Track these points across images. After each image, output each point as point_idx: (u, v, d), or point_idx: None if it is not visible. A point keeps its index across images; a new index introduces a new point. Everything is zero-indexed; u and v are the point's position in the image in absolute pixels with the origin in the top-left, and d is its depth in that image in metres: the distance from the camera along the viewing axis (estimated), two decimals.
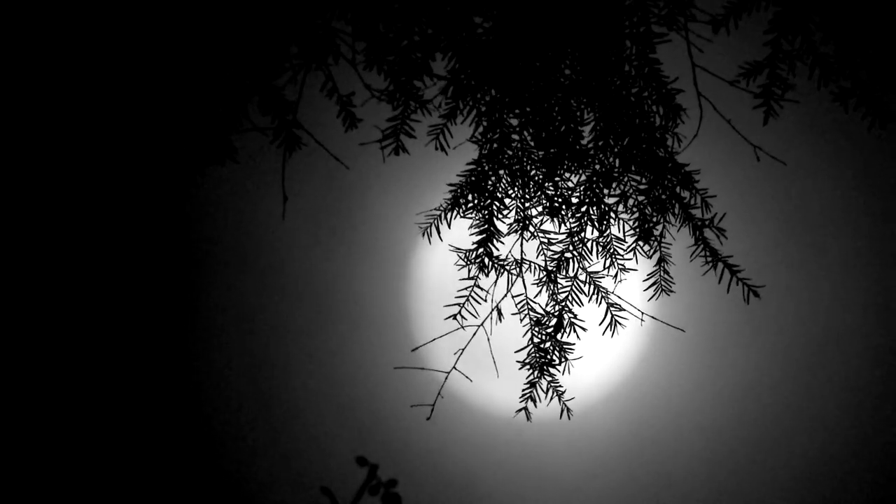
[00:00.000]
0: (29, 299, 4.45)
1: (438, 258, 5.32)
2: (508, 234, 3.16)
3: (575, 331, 3.14)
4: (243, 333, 6.23)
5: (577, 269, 3.11)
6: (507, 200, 3.09)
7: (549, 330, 3.22)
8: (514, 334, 3.43)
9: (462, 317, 3.24)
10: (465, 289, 3.23)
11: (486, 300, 3.25)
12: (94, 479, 5.58)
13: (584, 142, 3.00)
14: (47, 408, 5.27)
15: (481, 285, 3.25)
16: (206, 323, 6.15)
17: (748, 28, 2.84)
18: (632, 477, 6.09)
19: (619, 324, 3.14)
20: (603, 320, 3.15)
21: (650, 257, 3.06)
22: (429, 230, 3.16)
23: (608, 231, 3.04)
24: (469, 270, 3.17)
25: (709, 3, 2.95)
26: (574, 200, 3.00)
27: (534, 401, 3.25)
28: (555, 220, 3.09)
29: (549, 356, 3.21)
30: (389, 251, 5.63)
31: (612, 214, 2.99)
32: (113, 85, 3.19)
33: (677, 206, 2.88)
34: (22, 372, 4.92)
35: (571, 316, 3.14)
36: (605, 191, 2.96)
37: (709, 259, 2.88)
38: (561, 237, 3.15)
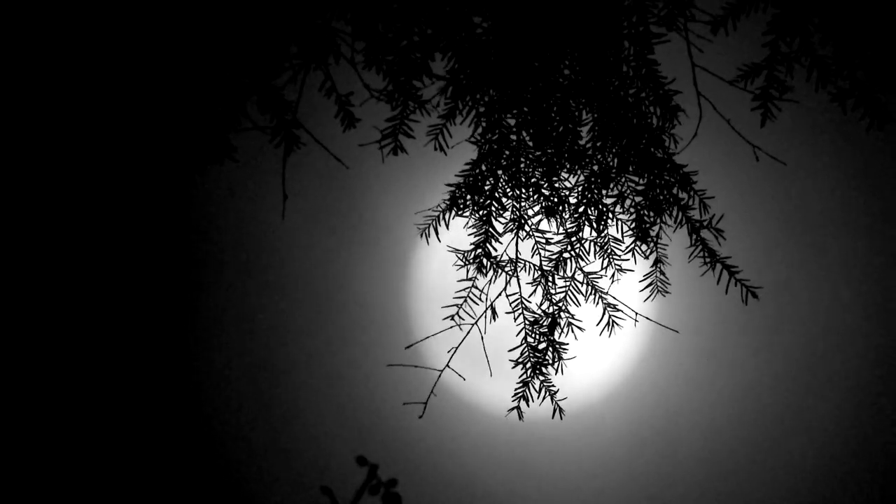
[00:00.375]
0: (29, 299, 4.45)
1: (438, 258, 5.33)
2: (504, 233, 3.16)
3: (572, 331, 3.14)
4: (243, 333, 6.23)
5: (575, 270, 3.11)
6: (504, 200, 3.09)
7: (543, 330, 3.21)
8: (515, 333, 3.43)
9: (459, 317, 3.24)
10: (464, 289, 3.23)
11: (483, 300, 3.25)
12: (94, 479, 5.58)
13: (581, 142, 2.99)
14: (47, 408, 5.27)
15: (479, 285, 3.25)
16: (206, 323, 6.15)
17: (748, 28, 2.84)
18: (632, 476, 6.09)
19: (616, 324, 3.14)
20: (600, 321, 3.15)
21: (647, 258, 3.05)
22: (427, 231, 3.16)
23: (606, 231, 3.04)
24: (467, 271, 3.17)
25: (708, 3, 2.95)
26: (572, 201, 3.00)
27: (526, 400, 3.24)
28: (552, 219, 3.08)
29: (543, 356, 3.20)
30: (389, 251, 5.63)
31: (610, 215, 2.99)
32: (112, 84, 3.19)
33: (675, 207, 2.88)
34: (22, 372, 4.93)
35: (569, 316, 3.14)
36: (604, 191, 2.96)
37: (707, 260, 2.88)
38: (558, 237, 3.15)
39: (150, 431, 5.86)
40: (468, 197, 3.08)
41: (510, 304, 3.23)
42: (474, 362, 5.97)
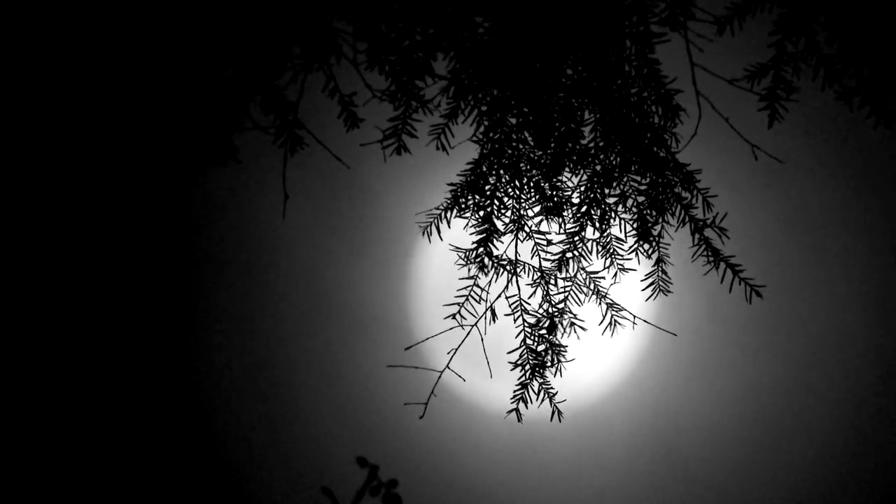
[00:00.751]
0: (29, 299, 4.45)
1: (439, 258, 5.32)
2: (505, 233, 3.15)
3: (575, 331, 3.13)
4: (243, 333, 6.23)
5: (577, 270, 3.10)
6: (505, 199, 3.08)
7: (542, 332, 3.20)
8: (513, 335, 3.42)
9: (462, 316, 3.23)
10: (465, 288, 3.22)
11: (485, 299, 3.24)
12: (94, 480, 5.58)
13: (584, 142, 2.99)
14: (47, 408, 5.26)
15: (480, 285, 3.24)
16: (206, 323, 6.14)
17: (747, 26, 2.83)
18: (632, 477, 6.09)
19: (619, 324, 3.13)
20: (602, 321, 3.14)
21: (650, 257, 3.05)
22: (429, 230, 3.15)
23: (608, 231, 3.03)
24: (469, 270, 3.16)
25: (708, 1, 2.94)
26: (574, 200, 2.99)
27: (525, 402, 3.23)
28: (553, 219, 3.07)
29: (542, 358, 3.19)
30: (390, 251, 5.63)
31: (613, 214, 2.98)
32: (115, 85, 3.19)
33: (678, 206, 2.87)
34: (22, 372, 4.92)
35: (571, 316, 3.13)
36: (606, 190, 2.95)
37: (710, 259, 2.88)
38: (559, 238, 3.14)
39: (150, 431, 5.86)
40: (469, 196, 3.07)
41: (510, 306, 3.22)
42: (474, 363, 5.96)
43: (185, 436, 6.05)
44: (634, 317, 3.13)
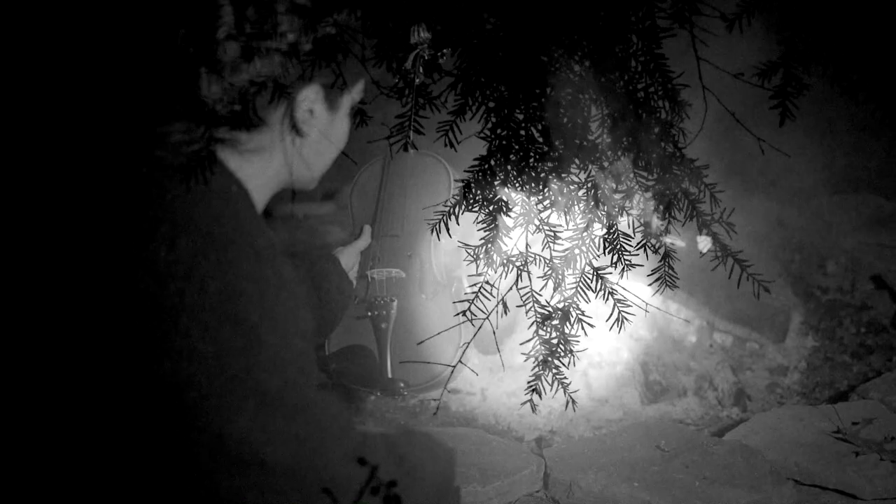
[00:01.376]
0: (28, 298, 4.43)
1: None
2: (514, 227, 3.17)
3: (582, 328, 3.16)
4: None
5: (584, 265, 3.13)
6: (513, 195, 3.10)
7: (555, 322, 3.23)
8: (523, 329, 3.44)
9: (472, 313, 3.26)
10: (474, 284, 3.25)
11: (494, 296, 3.26)
12: (93, 481, 5.55)
13: (591, 137, 3.01)
14: (45, 409, 5.23)
15: (490, 280, 3.26)
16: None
17: (750, 24, 2.84)
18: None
19: (626, 320, 3.16)
20: (610, 316, 3.17)
21: (657, 252, 3.07)
22: (437, 226, 3.17)
23: (615, 227, 3.05)
24: (477, 266, 3.18)
25: None
26: (581, 194, 3.01)
27: (539, 393, 3.26)
28: (561, 213, 3.09)
29: (554, 348, 3.22)
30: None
31: (620, 210, 3.00)
32: (114, 84, 3.19)
33: (685, 201, 2.90)
34: (17, 372, 4.90)
35: (579, 313, 3.16)
36: (614, 186, 2.97)
37: (718, 254, 2.90)
38: (567, 233, 3.16)
39: (149, 430, 5.83)
40: (477, 192, 3.09)
41: (521, 298, 3.25)
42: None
43: (179, 433, 6.04)
44: (647, 304, 3.15)
